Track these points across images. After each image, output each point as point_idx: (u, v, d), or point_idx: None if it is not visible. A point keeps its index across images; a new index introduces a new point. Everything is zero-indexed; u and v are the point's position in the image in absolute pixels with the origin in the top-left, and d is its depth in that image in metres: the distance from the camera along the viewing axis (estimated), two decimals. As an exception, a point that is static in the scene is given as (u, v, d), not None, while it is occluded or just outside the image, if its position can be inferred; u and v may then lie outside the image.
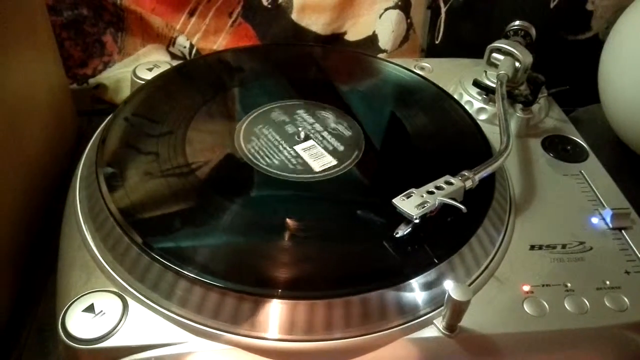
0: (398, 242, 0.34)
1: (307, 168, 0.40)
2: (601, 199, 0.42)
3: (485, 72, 0.50)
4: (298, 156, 0.41)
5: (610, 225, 0.40)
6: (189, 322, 0.32)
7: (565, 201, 0.42)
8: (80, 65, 0.61)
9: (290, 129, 0.44)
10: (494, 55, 0.49)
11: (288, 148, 0.42)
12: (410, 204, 0.34)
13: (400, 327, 0.32)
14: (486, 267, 0.36)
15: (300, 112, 0.46)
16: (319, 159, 0.41)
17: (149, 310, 0.32)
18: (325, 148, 0.42)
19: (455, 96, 0.50)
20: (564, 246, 0.38)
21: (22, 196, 0.42)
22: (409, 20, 0.62)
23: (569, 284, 0.35)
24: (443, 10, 0.62)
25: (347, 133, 0.44)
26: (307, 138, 0.43)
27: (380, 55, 0.62)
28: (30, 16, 0.46)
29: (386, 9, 0.61)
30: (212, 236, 0.35)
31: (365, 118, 0.46)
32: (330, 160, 0.41)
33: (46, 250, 0.43)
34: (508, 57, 0.48)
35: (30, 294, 0.42)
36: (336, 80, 0.51)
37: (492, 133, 0.45)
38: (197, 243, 0.35)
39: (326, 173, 0.40)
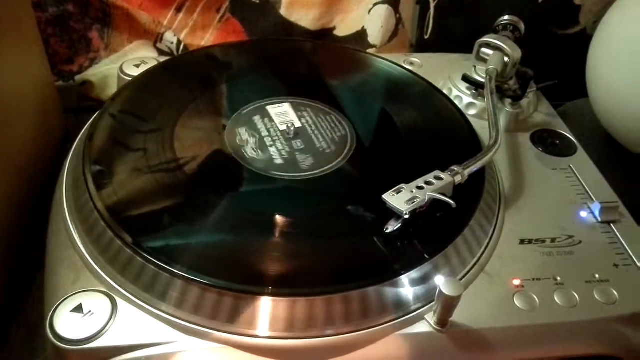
0: (388, 237, 0.34)
1: (296, 165, 0.40)
2: (590, 192, 0.42)
3: (475, 67, 0.50)
4: (287, 153, 0.41)
5: (599, 219, 0.40)
6: (179, 320, 0.31)
7: (554, 195, 0.42)
8: (66, 62, 0.61)
9: (279, 125, 0.44)
10: (483, 50, 0.49)
11: (277, 144, 0.42)
12: (400, 199, 0.34)
13: (392, 323, 0.32)
14: (476, 262, 0.36)
15: (290, 108, 0.46)
16: (305, 155, 0.41)
17: (138, 310, 0.32)
18: (314, 144, 0.42)
19: (445, 91, 0.50)
20: (553, 240, 0.38)
21: (8, 194, 0.42)
22: (398, 16, 0.62)
23: (558, 278, 0.36)
24: (432, 5, 0.62)
25: (337, 129, 0.44)
26: (296, 134, 0.43)
27: (370, 51, 0.62)
28: (14, 13, 0.45)
29: (375, 4, 0.61)
30: (201, 234, 0.35)
31: (355, 114, 0.46)
32: (314, 159, 0.41)
33: (34, 249, 0.43)
34: (497, 51, 0.48)
35: (18, 293, 0.41)
36: (325, 75, 0.51)
37: (482, 128, 0.45)
38: (185, 241, 0.34)
39: (316, 170, 0.40)
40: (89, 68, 0.61)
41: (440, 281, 0.31)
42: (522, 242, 0.38)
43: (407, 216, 0.34)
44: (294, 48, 0.56)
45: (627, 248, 0.38)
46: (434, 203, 0.35)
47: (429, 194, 0.35)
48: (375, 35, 0.62)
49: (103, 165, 0.38)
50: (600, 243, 0.38)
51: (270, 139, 0.42)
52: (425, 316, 0.33)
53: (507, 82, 0.48)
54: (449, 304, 0.31)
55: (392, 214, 0.34)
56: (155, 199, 0.37)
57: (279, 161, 0.40)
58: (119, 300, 0.32)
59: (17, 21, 0.46)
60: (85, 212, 0.36)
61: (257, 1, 0.61)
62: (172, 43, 0.61)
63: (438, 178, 0.36)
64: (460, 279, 0.35)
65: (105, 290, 0.32)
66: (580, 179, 0.43)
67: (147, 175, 0.38)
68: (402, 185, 0.35)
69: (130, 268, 0.33)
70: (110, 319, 0.31)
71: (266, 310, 0.31)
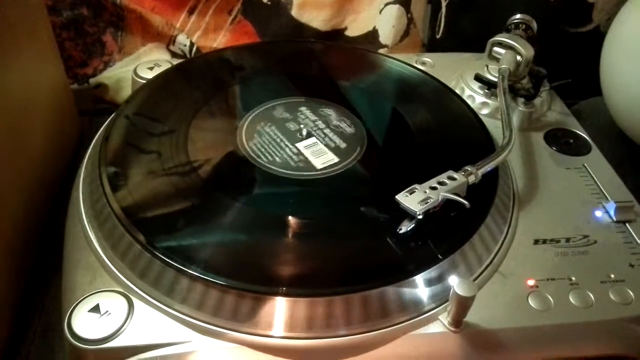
0: (402, 238, 0.34)
1: (309, 165, 0.40)
2: (605, 192, 0.42)
3: (487, 66, 0.50)
4: (300, 153, 0.41)
5: (614, 219, 0.39)
6: (194, 320, 0.32)
7: (568, 195, 0.41)
8: (81, 65, 0.61)
9: (292, 126, 0.44)
10: (495, 49, 0.49)
11: (290, 145, 0.42)
12: (414, 199, 0.34)
13: (406, 323, 0.32)
14: (490, 262, 0.36)
15: (302, 109, 0.46)
16: (320, 156, 0.41)
17: (154, 310, 0.32)
18: (327, 145, 0.42)
19: (457, 91, 0.50)
20: (568, 240, 0.38)
21: (25, 197, 0.42)
22: (409, 15, 0.62)
23: (573, 278, 0.35)
24: (443, 4, 0.62)
25: (350, 129, 0.44)
26: (309, 135, 0.43)
27: (381, 51, 0.62)
28: (30, 17, 0.46)
29: (386, 4, 0.61)
30: (215, 234, 0.35)
31: (367, 114, 0.46)
32: (332, 158, 0.41)
33: (51, 250, 0.43)
34: (509, 50, 0.48)
35: (36, 294, 0.42)
36: (337, 76, 0.51)
37: (495, 127, 0.45)
38: (201, 241, 0.35)
39: (328, 170, 0.40)
40: (103, 71, 0.62)
41: (454, 281, 0.31)
42: (536, 242, 0.38)
43: (420, 217, 0.34)
44: (306, 49, 0.56)
45: (642, 247, 0.38)
46: (447, 203, 0.35)
47: (442, 194, 0.34)
48: (386, 35, 0.62)
49: (119, 167, 0.39)
50: (616, 243, 0.38)
51: (283, 139, 0.43)
52: (439, 316, 0.33)
53: (520, 81, 0.48)
54: (463, 304, 0.31)
55: (405, 214, 0.34)
56: (170, 200, 0.37)
57: (292, 161, 0.41)
58: (135, 301, 0.32)
59: (32, 25, 0.46)
60: (101, 214, 0.37)
61: (269, 3, 0.61)
62: (185, 45, 0.62)
63: (451, 178, 0.36)
64: (474, 279, 0.35)
65: (122, 291, 0.33)
66: (595, 178, 0.43)
67: (162, 176, 0.39)
68: (416, 185, 0.35)
69: (146, 268, 0.33)
70: (127, 318, 0.31)
71: (281, 311, 0.31)
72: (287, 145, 0.42)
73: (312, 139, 0.43)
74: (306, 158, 0.41)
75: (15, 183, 0.41)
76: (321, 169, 0.40)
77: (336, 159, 0.41)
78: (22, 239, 0.42)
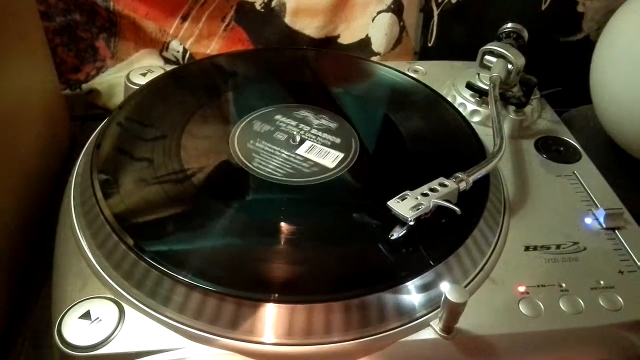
0: (393, 244, 0.35)
1: (298, 173, 0.40)
2: (594, 199, 0.42)
3: (478, 74, 0.51)
4: (289, 161, 0.41)
5: (604, 225, 0.40)
6: (186, 327, 0.32)
7: (558, 202, 0.42)
8: (73, 70, 0.61)
9: (284, 133, 0.44)
10: (487, 57, 0.49)
11: (282, 152, 0.42)
12: (405, 206, 0.34)
13: (397, 329, 0.32)
14: (481, 269, 0.36)
15: (294, 115, 0.46)
16: (312, 162, 0.41)
17: (145, 317, 0.32)
18: (318, 151, 0.42)
19: (449, 98, 0.50)
20: (558, 246, 0.38)
21: (16, 202, 0.42)
22: (401, 23, 0.63)
23: (563, 284, 0.36)
24: (435, 12, 0.63)
25: (341, 136, 0.44)
26: (302, 141, 0.43)
27: (374, 58, 0.63)
28: (22, 22, 0.46)
29: (379, 12, 0.62)
30: (207, 241, 0.35)
31: (359, 121, 0.46)
32: (323, 164, 0.41)
33: (41, 256, 0.43)
34: (500, 59, 0.48)
35: (26, 301, 0.41)
36: (330, 83, 0.51)
37: (486, 135, 0.45)
38: (192, 248, 0.35)
39: (318, 177, 0.40)
40: (95, 77, 0.62)
41: (445, 288, 0.31)
42: (527, 248, 0.38)
43: (412, 223, 0.34)
44: (299, 56, 0.56)
45: (631, 254, 0.38)
46: (438, 210, 0.35)
47: (433, 200, 0.35)
48: (379, 43, 0.63)
49: (110, 173, 0.39)
50: (605, 249, 0.38)
51: (274, 146, 0.43)
52: (431, 323, 0.33)
53: (511, 89, 0.49)
54: (454, 311, 0.31)
55: (397, 220, 0.35)
56: (161, 206, 0.37)
57: (283, 168, 0.41)
58: (126, 307, 0.32)
59: (24, 31, 0.46)
60: (92, 220, 0.36)
61: (262, 10, 0.61)
62: (178, 52, 0.62)
63: (442, 185, 0.36)
64: (466, 286, 0.35)
65: (113, 297, 0.33)
66: (585, 185, 0.43)
67: (154, 183, 0.38)
68: (407, 192, 0.35)
69: (137, 275, 0.33)
70: (117, 325, 0.31)
71: (272, 317, 0.31)
72: (279, 152, 0.42)
73: (305, 145, 0.43)
74: (294, 166, 0.41)
75: (6, 188, 0.41)
76: (310, 176, 0.40)
77: (328, 166, 0.41)
78: (12, 244, 0.41)
